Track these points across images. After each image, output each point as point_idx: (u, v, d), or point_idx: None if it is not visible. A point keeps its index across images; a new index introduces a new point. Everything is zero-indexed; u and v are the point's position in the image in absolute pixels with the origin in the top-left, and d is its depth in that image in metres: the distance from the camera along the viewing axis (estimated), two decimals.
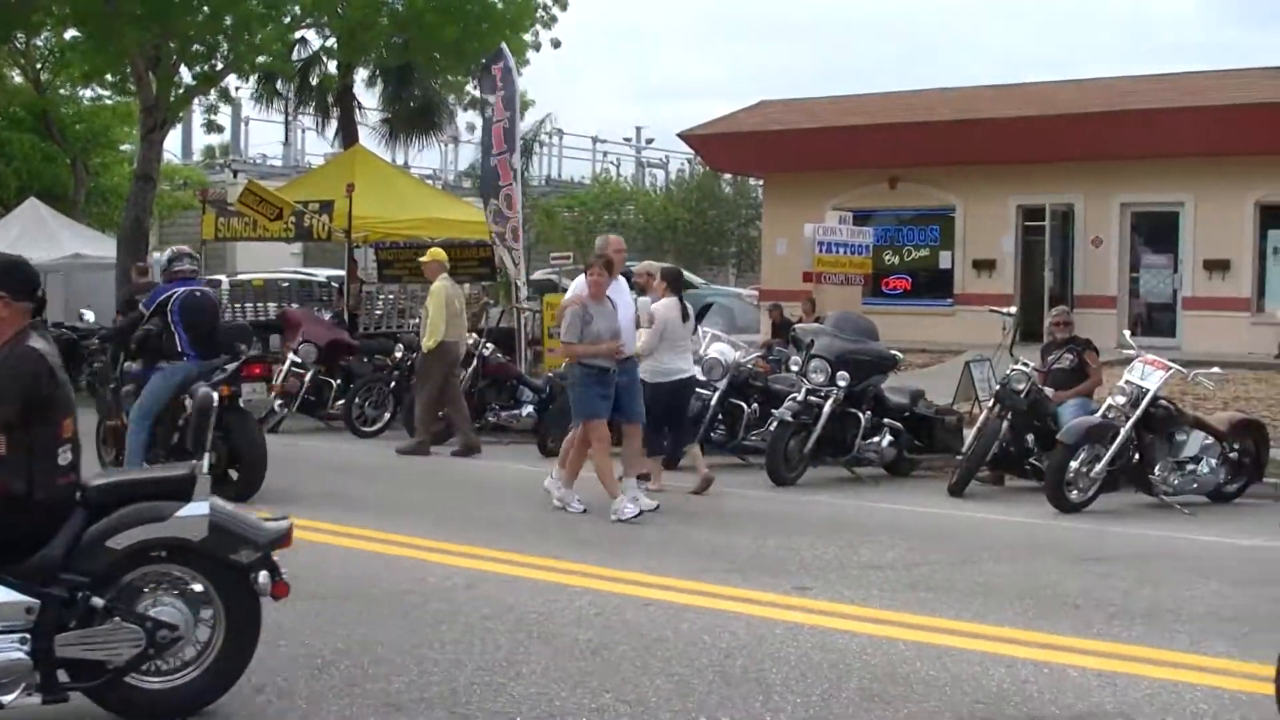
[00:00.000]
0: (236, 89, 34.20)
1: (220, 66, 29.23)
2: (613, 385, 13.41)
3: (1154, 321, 29.99)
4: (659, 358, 14.52)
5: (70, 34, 29.42)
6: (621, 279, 14.52)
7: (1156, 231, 30.40)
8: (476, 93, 31.51)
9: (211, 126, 35.63)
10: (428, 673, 7.58)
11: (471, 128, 38.31)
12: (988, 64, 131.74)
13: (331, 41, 30.95)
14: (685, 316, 14.80)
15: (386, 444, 18.74)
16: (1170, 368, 14.43)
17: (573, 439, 13.83)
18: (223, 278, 30.60)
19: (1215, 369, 15.62)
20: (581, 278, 13.98)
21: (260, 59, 28.55)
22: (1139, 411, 14.08)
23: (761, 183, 41.25)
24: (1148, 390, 14.19)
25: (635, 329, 14.41)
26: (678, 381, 14.76)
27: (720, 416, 17.06)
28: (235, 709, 6.87)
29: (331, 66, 32.19)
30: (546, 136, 56.26)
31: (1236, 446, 14.83)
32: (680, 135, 36.71)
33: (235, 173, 48.62)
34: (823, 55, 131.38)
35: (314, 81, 33.13)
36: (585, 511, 13.20)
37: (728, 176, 55.02)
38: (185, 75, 29.40)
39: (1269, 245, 29.10)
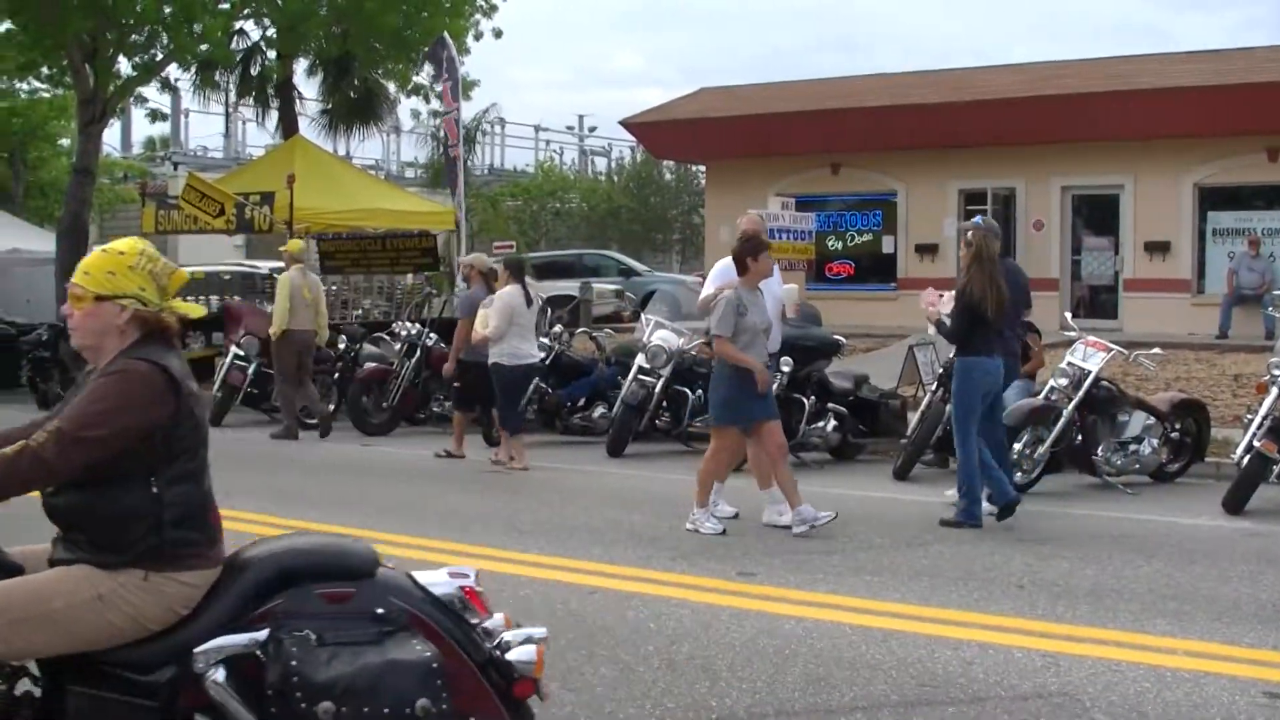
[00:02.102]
0: (176, 80, 34.03)
1: (160, 57, 29.01)
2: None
3: (1096, 303, 30.14)
4: (510, 343, 15.55)
5: (5, 26, 29.08)
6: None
7: (1097, 214, 30.56)
8: (419, 79, 31.44)
9: (155, 115, 35.47)
10: None
11: (416, 114, 38.23)
12: (914, 52, 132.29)
13: (271, 32, 30.75)
14: (529, 302, 15.78)
15: (331, 437, 18.70)
16: (1111, 349, 14.50)
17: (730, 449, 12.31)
18: None
19: (1156, 350, 15.71)
20: (726, 261, 12.81)
21: (201, 49, 28.34)
22: (1081, 393, 14.15)
23: (704, 169, 41.26)
24: (1090, 372, 14.26)
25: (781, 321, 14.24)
26: (530, 365, 16.04)
27: (665, 403, 17.10)
28: None
29: (271, 56, 31.98)
30: (489, 125, 56.19)
31: (1178, 426, 14.94)
32: (622, 123, 36.70)
33: (175, 165, 48.34)
34: (751, 43, 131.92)
35: (254, 72, 32.91)
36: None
37: (669, 164, 55.03)
38: (124, 66, 29.20)
39: (1208, 227, 29.31)
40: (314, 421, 18.89)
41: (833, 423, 16.38)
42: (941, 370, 15.49)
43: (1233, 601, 9.17)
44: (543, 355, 17.22)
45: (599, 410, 18.37)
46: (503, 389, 15.86)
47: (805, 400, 16.03)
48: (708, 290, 12.81)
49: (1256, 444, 12.77)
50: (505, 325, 15.55)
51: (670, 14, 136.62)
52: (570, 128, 70.56)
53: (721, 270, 13.02)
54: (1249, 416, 13.59)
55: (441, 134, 24.94)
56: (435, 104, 26.16)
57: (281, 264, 23.23)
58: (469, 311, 16.71)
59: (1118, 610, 8.88)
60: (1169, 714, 6.80)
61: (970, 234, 12.42)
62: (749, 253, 11.89)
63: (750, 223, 13.33)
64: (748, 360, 11.64)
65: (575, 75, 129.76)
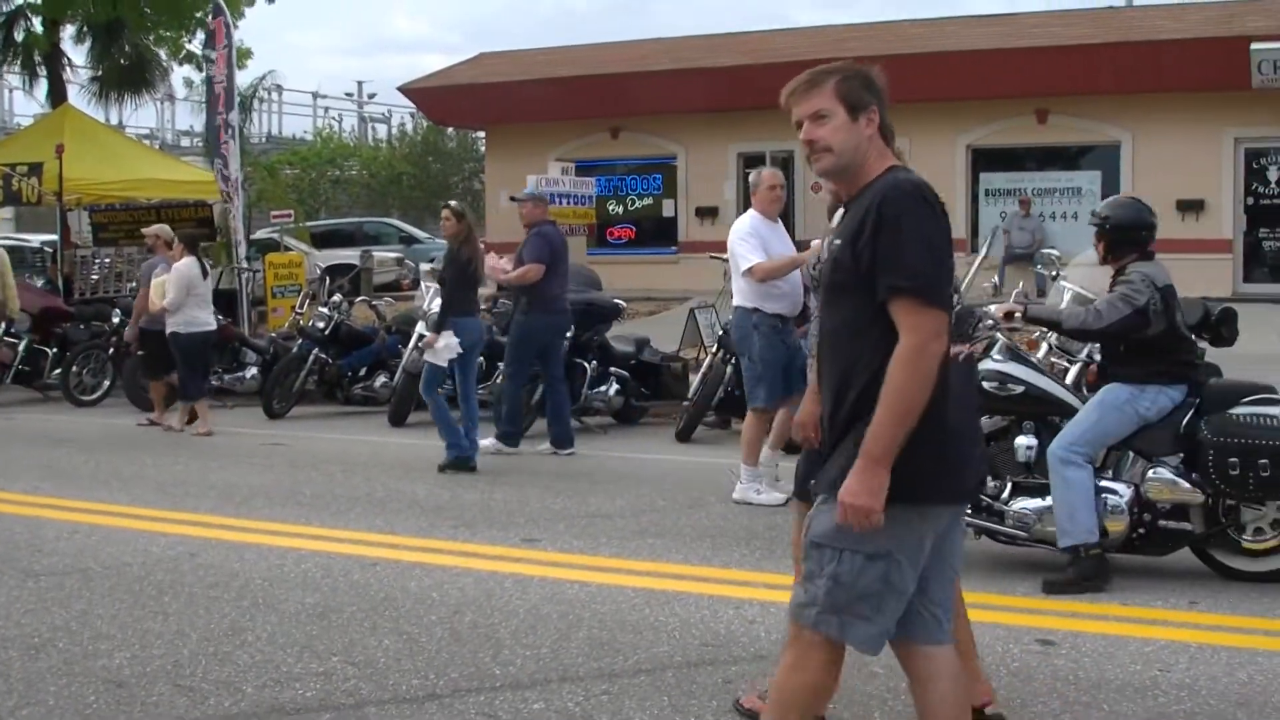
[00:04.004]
0: None
1: None
2: None
3: None
4: (186, 312, 16.23)
5: None
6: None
7: None
8: (191, 48, 30.74)
9: None
10: (150, 646, 7.36)
11: (189, 83, 37.51)
12: (697, 16, 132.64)
13: None
14: (205, 274, 16.60)
15: (106, 413, 18.29)
16: None
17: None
18: None
19: None
20: (749, 220, 11.50)
21: None
22: None
23: (484, 135, 41.08)
24: None
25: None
26: (205, 332, 16.53)
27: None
28: None
29: (37, 22, 31.05)
30: (265, 93, 55.27)
31: None
32: (401, 89, 36.41)
33: None
34: (542, 6, 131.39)
35: (19, 38, 31.92)
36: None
37: (451, 130, 54.70)
38: None
39: (981, 188, 29.93)
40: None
41: (615, 386, 16.44)
42: (722, 332, 15.62)
43: (1002, 552, 9.35)
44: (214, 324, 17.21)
45: (380, 379, 18.23)
46: (182, 357, 16.42)
47: (587, 364, 16.06)
48: (754, 254, 11.23)
49: None
50: (182, 296, 16.15)
51: None
52: (349, 94, 69.93)
53: (750, 230, 11.37)
54: None
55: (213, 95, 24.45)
56: (209, 71, 25.60)
57: (54, 236, 22.73)
58: (147, 281, 17.13)
59: None
60: None
61: (455, 204, 13.75)
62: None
63: (771, 176, 11.79)
64: None
65: (358, 41, 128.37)
